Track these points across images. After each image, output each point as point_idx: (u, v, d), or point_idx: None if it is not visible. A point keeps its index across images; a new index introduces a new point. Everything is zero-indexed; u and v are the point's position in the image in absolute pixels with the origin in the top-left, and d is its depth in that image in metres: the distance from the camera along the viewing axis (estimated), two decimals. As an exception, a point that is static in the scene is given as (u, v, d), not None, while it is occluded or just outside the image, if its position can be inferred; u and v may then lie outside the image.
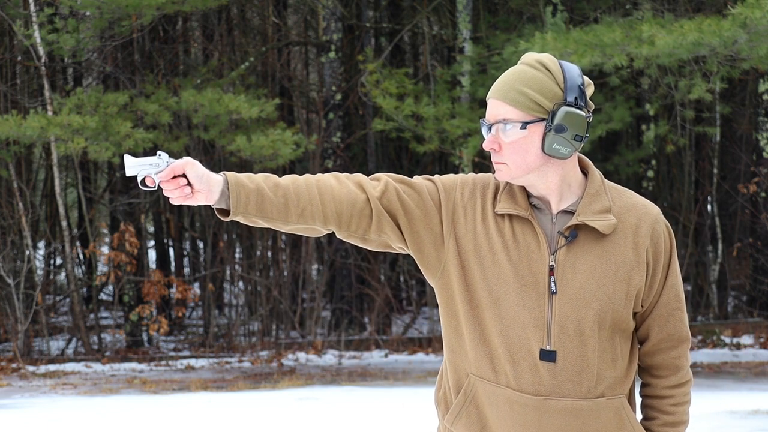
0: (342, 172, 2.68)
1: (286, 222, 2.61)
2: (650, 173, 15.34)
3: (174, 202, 2.55)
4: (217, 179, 2.55)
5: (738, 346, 14.06)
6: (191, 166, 2.52)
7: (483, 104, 13.89)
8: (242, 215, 2.57)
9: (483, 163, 13.73)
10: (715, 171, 16.17)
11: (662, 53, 10.70)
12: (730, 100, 16.09)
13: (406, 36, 17.22)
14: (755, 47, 10.72)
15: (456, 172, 14.71)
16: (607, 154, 15.96)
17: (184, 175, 2.53)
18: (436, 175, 2.71)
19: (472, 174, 2.70)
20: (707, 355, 13.41)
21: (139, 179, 2.56)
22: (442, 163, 16.44)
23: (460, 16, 14.15)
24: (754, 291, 15.60)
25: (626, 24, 11.52)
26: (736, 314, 16.19)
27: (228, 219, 2.59)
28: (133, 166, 2.55)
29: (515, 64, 2.64)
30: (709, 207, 16.79)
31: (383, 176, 2.66)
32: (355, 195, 2.61)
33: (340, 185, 2.62)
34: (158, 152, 2.57)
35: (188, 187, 2.53)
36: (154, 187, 2.56)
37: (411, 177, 2.68)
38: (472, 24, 14.16)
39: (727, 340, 14.30)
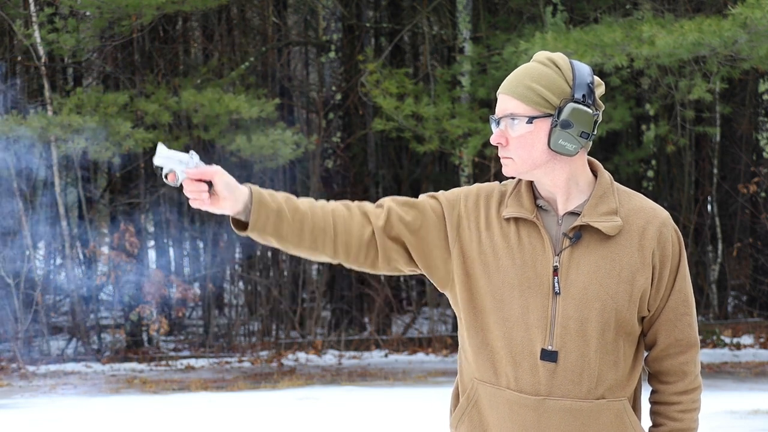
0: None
1: (298, 247, 2.63)
2: (650, 173, 15.33)
3: (193, 204, 2.54)
4: (243, 192, 2.55)
5: (738, 346, 14.06)
6: (221, 175, 2.51)
7: (483, 104, 13.88)
8: (258, 233, 2.57)
9: (483, 163, 13.72)
10: (715, 171, 16.16)
11: (662, 53, 10.70)
12: (730, 100, 16.07)
13: (406, 36, 17.21)
14: (755, 47, 10.72)
15: (456, 172, 14.72)
16: (607, 154, 15.95)
17: (209, 183, 2.52)
18: (441, 191, 2.73)
19: (476, 184, 2.72)
20: (707, 355, 13.41)
21: (163, 172, 2.52)
22: (442, 163, 16.42)
23: (460, 16, 14.14)
24: (754, 291, 15.61)
25: (626, 24, 11.52)
26: (736, 314, 16.19)
27: (242, 234, 2.59)
28: (164, 156, 2.50)
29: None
30: (709, 207, 16.77)
31: (386, 201, 2.69)
32: (362, 229, 2.64)
33: (351, 218, 2.65)
34: (191, 151, 2.54)
35: (206, 194, 2.51)
36: (176, 184, 2.52)
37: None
38: (472, 24, 14.15)
39: (727, 340, 14.30)
